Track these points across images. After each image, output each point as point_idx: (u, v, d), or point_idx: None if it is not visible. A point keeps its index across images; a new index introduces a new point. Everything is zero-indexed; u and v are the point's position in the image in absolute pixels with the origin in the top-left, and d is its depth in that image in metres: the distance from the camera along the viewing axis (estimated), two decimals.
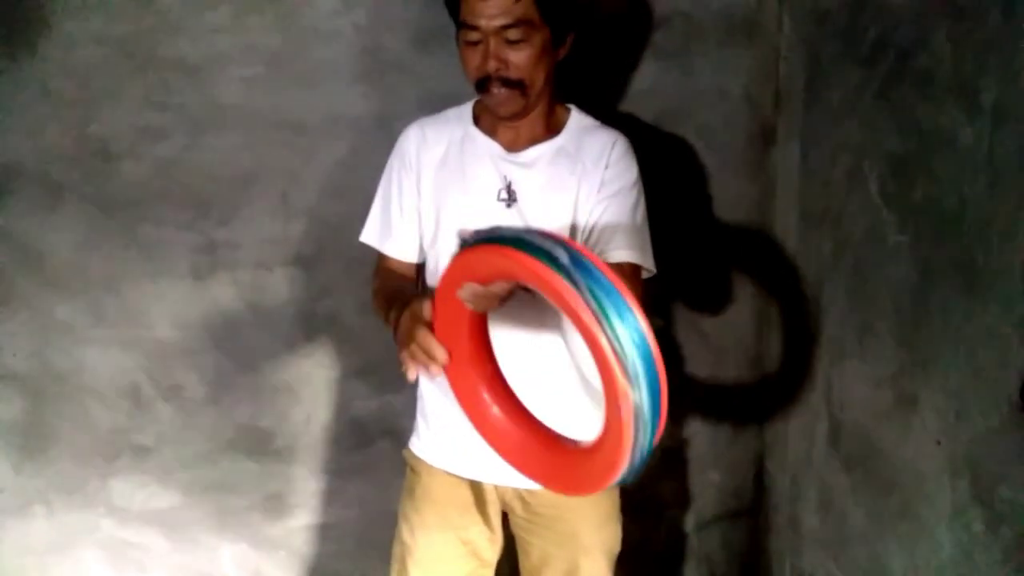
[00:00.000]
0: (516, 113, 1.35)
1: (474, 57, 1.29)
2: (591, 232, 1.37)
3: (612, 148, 1.38)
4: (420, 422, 1.51)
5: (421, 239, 1.46)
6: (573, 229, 1.38)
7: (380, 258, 1.50)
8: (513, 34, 1.25)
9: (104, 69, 1.63)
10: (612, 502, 1.49)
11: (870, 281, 1.41)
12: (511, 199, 1.37)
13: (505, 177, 1.38)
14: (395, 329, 1.20)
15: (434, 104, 1.52)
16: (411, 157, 1.43)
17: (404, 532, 1.49)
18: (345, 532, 1.97)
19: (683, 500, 2.03)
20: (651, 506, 2.02)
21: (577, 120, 1.43)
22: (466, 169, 1.40)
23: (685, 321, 1.91)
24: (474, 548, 1.47)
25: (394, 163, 1.46)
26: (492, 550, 1.49)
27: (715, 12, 1.68)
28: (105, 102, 1.66)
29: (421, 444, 1.49)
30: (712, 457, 2.00)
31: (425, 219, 1.44)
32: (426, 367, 1.08)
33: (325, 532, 1.99)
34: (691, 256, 1.86)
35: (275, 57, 1.63)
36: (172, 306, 1.80)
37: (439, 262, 1.42)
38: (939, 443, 1.23)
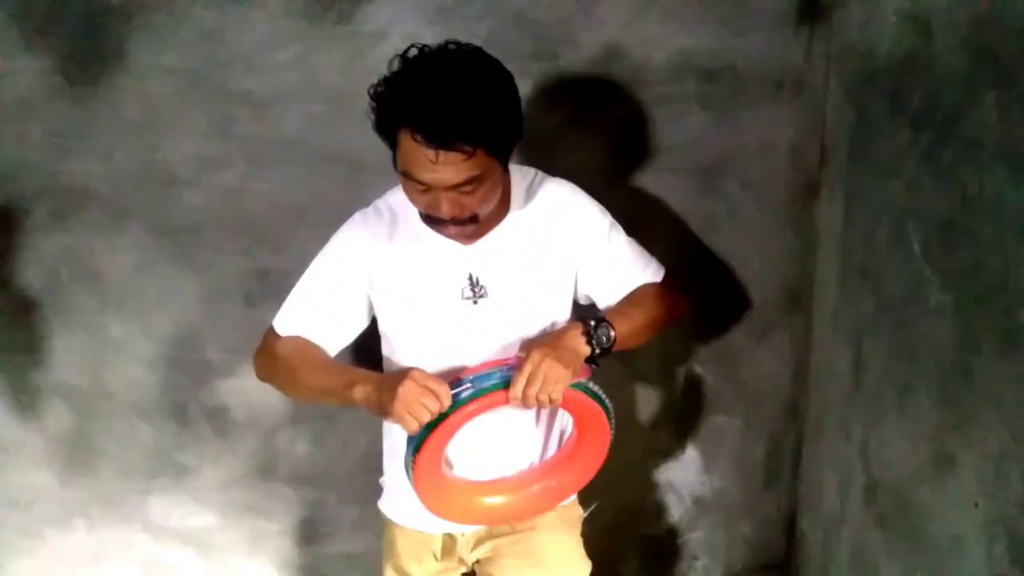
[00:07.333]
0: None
1: (422, 199, 1.20)
2: (594, 283, 1.39)
3: (570, 200, 1.36)
4: (387, 481, 1.55)
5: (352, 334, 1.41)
6: (553, 295, 1.37)
7: (275, 341, 1.36)
8: (467, 188, 1.16)
9: (174, 100, 1.70)
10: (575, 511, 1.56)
11: (911, 339, 1.41)
12: (477, 295, 1.32)
13: (469, 274, 1.32)
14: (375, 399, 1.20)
15: None
16: (361, 252, 1.34)
17: None
18: (374, 562, 1.97)
19: (712, 551, 2.02)
20: (681, 555, 2.01)
21: (519, 179, 1.35)
22: (424, 271, 1.33)
23: (721, 368, 1.91)
24: None
25: (336, 254, 1.36)
26: None
27: (763, 67, 1.71)
28: (173, 131, 1.72)
29: (388, 503, 1.55)
30: (743, 509, 1.99)
31: (384, 321, 1.40)
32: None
33: (354, 562, 2.00)
34: (731, 305, 1.88)
35: (337, 96, 1.69)
36: (222, 330, 1.84)
37: (400, 364, 1.38)
38: (977, 504, 1.22)
